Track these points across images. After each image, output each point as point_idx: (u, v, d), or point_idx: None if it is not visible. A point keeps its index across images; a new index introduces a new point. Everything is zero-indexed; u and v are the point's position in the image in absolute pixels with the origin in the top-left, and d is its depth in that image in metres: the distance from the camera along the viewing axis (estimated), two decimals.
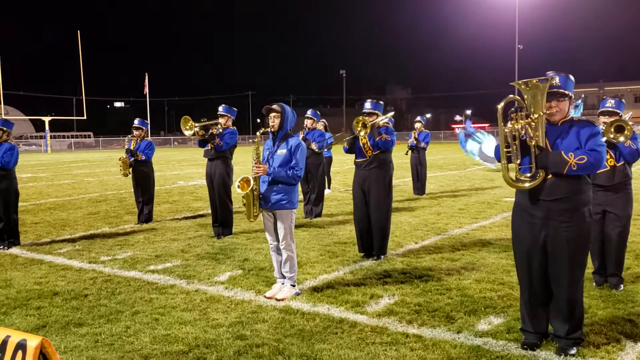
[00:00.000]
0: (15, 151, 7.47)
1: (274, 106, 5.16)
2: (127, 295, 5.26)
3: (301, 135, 9.80)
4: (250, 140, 63.22)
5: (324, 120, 12.23)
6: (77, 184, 17.08)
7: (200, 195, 13.12)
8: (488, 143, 14.09)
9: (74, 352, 3.94)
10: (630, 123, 4.87)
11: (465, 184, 15.00)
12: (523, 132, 3.70)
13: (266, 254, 6.63)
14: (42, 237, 8.25)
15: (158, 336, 4.20)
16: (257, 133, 5.20)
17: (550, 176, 3.67)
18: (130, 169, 9.34)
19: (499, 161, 3.81)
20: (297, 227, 8.02)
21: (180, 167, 24.74)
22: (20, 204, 8.17)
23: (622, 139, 4.79)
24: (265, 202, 5.10)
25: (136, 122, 9.50)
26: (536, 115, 3.66)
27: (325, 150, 10.90)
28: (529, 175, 3.71)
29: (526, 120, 3.68)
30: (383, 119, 6.62)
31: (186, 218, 9.86)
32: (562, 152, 3.61)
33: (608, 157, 4.91)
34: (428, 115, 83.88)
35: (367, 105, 6.66)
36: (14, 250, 7.37)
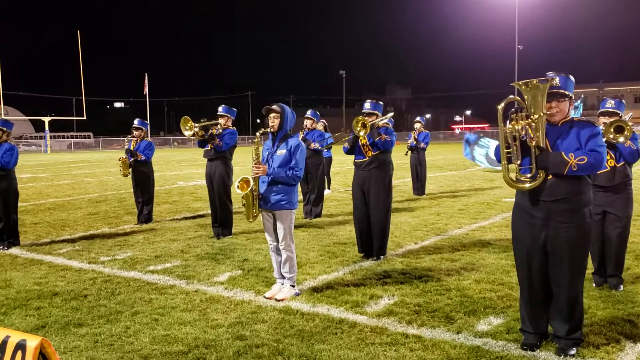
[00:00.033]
0: (15, 151, 7.46)
1: (274, 106, 5.16)
2: (127, 295, 5.26)
3: (301, 136, 9.80)
4: (250, 141, 63.26)
5: (323, 120, 12.23)
6: (76, 184, 17.08)
7: (200, 196, 13.12)
8: (494, 147, 14.20)
9: (74, 352, 3.94)
10: (630, 124, 4.87)
11: (465, 184, 15.00)
12: (523, 132, 3.70)
13: (266, 255, 6.63)
14: (42, 238, 8.25)
15: (158, 336, 4.20)
16: (257, 133, 5.20)
17: (550, 177, 3.67)
18: (130, 169, 9.34)
19: (500, 162, 3.80)
20: (296, 227, 8.02)
21: (180, 168, 24.74)
22: (20, 204, 8.16)
23: (621, 139, 4.79)
24: (265, 203, 5.10)
25: (136, 122, 9.50)
26: (536, 116, 3.66)
27: (325, 150, 10.90)
28: (529, 175, 3.71)
29: (526, 121, 3.68)
30: (382, 120, 6.62)
31: (186, 218, 9.85)
32: (563, 153, 3.61)
33: (608, 157, 4.91)
34: (428, 116, 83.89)
35: (367, 105, 6.66)
36: (14, 250, 7.37)
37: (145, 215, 9.35)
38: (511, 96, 3.81)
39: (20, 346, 2.17)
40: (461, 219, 9.25)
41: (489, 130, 69.73)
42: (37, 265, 6.52)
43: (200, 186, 15.43)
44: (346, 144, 6.62)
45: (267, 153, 5.23)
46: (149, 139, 9.93)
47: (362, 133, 6.35)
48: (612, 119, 5.04)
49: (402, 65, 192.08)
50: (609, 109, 5.24)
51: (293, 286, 5.19)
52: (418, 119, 13.04)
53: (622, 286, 5.17)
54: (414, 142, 12.65)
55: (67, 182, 17.91)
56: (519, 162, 3.74)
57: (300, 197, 9.81)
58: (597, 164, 3.57)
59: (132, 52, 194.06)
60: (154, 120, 69.50)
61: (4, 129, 7.52)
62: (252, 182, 5.02)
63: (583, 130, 3.69)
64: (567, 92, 3.74)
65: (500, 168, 3.87)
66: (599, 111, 5.33)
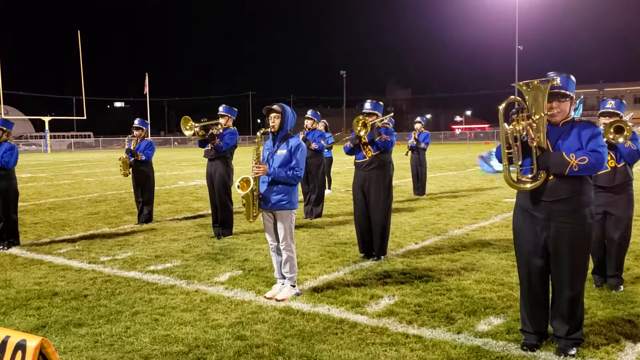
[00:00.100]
0: (15, 151, 7.46)
1: (275, 106, 5.16)
2: (127, 295, 5.26)
3: (301, 136, 9.80)
4: (251, 141, 63.26)
5: (324, 120, 12.23)
6: (77, 184, 17.08)
7: (200, 196, 13.12)
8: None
9: (74, 352, 3.94)
10: (629, 124, 4.87)
11: (465, 184, 15.00)
12: (524, 133, 3.70)
13: (266, 255, 6.63)
14: (42, 237, 8.25)
15: (158, 336, 4.20)
16: (258, 133, 5.20)
17: (551, 177, 3.67)
18: (130, 169, 9.34)
19: (501, 162, 3.80)
20: (297, 227, 8.02)
21: (180, 168, 24.74)
22: (19, 204, 8.17)
23: (621, 139, 4.78)
24: (265, 203, 5.10)
25: (136, 122, 9.49)
26: (537, 116, 3.65)
27: (326, 150, 10.90)
28: (530, 176, 3.71)
29: (527, 122, 3.67)
30: (382, 120, 6.62)
31: (186, 218, 9.85)
32: (564, 153, 3.61)
33: (609, 158, 4.90)
34: (428, 116, 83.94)
35: (367, 105, 6.66)
36: (14, 250, 7.37)
37: (145, 215, 9.35)
38: (512, 96, 3.81)
39: (20, 346, 2.16)
40: (461, 219, 9.25)
41: (489, 130, 69.80)
42: (37, 265, 6.52)
43: (200, 186, 15.43)
44: (348, 144, 6.62)
45: (268, 153, 5.22)
46: (149, 138, 9.93)
47: (362, 133, 6.35)
48: (612, 120, 5.03)
49: (402, 65, 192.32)
50: (610, 110, 5.23)
51: (293, 286, 5.18)
52: (418, 119, 13.04)
53: (622, 286, 5.17)
54: (415, 143, 12.64)
55: (67, 182, 17.91)
56: (520, 162, 3.73)
57: (301, 197, 9.81)
58: (598, 164, 3.56)
59: (132, 52, 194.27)
60: (154, 120, 69.51)
61: (4, 128, 7.52)
62: (252, 182, 5.02)
63: (584, 131, 3.69)
64: (568, 93, 3.73)
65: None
66: (600, 112, 5.33)
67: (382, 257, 6.49)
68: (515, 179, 3.74)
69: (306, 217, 9.57)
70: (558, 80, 3.71)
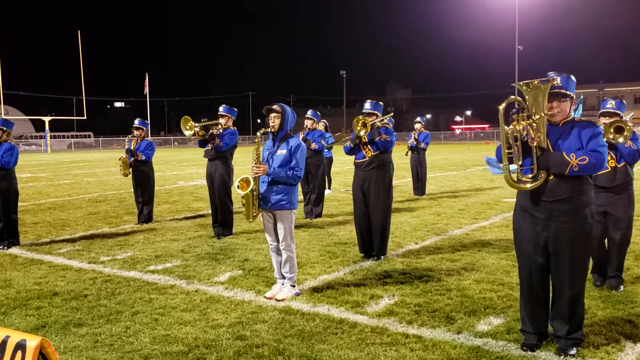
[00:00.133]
0: (15, 151, 7.46)
1: (275, 106, 5.16)
2: (127, 295, 5.26)
3: (301, 136, 9.80)
4: (251, 141, 63.25)
5: (324, 120, 12.23)
6: (77, 184, 17.08)
7: (200, 196, 13.12)
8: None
9: (74, 352, 3.94)
10: (629, 124, 4.86)
11: (465, 184, 15.00)
12: (524, 133, 3.70)
13: (266, 255, 6.63)
14: (42, 237, 8.25)
15: (158, 336, 4.20)
16: (258, 133, 5.20)
17: (551, 177, 3.67)
18: (130, 169, 9.34)
19: (501, 162, 3.80)
20: (297, 227, 8.02)
21: (180, 167, 24.74)
22: (20, 204, 8.16)
23: (621, 139, 4.77)
24: (265, 203, 5.10)
25: (136, 122, 9.49)
26: (537, 116, 3.65)
27: (326, 150, 10.89)
28: (530, 176, 3.71)
29: (528, 121, 3.67)
30: (382, 120, 6.62)
31: (186, 218, 9.85)
32: (564, 153, 3.61)
33: (609, 158, 4.90)
34: (428, 116, 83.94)
35: (367, 105, 6.66)
36: (14, 250, 7.37)
37: (145, 215, 9.35)
38: (512, 96, 3.81)
39: (20, 346, 2.16)
40: (461, 219, 9.25)
41: (489, 130, 69.79)
42: (37, 265, 6.51)
43: (200, 186, 15.43)
44: (347, 143, 6.62)
45: (268, 153, 5.22)
46: (149, 138, 9.93)
47: (362, 132, 6.35)
48: (612, 120, 5.03)
49: (402, 65, 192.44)
50: (610, 110, 5.23)
51: (293, 286, 5.18)
52: (418, 119, 13.04)
53: (622, 286, 5.17)
54: (414, 143, 12.64)
55: (67, 182, 17.91)
56: (520, 162, 3.73)
57: (301, 197, 9.80)
58: (599, 164, 3.56)
59: (132, 52, 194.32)
60: (155, 120, 69.51)
61: (4, 128, 7.51)
62: (252, 182, 5.02)
63: (584, 131, 3.69)
64: (568, 92, 3.73)
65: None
66: (600, 111, 5.32)
67: (382, 257, 6.49)
68: (516, 179, 3.74)
69: (306, 217, 9.57)
70: (558, 80, 3.71)
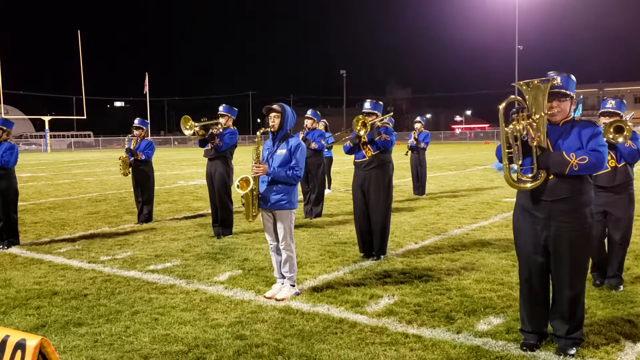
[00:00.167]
0: (15, 150, 7.46)
1: (274, 106, 5.16)
2: (127, 295, 5.26)
3: (301, 136, 9.80)
4: (250, 140, 63.24)
5: (324, 120, 12.22)
6: (76, 184, 17.07)
7: (200, 195, 13.12)
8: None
9: (74, 351, 3.94)
10: (629, 124, 4.86)
11: (465, 184, 15.00)
12: (524, 132, 3.70)
13: (266, 254, 6.63)
14: (42, 237, 8.24)
15: (157, 336, 4.20)
16: (257, 133, 5.20)
17: (551, 177, 3.67)
18: (130, 169, 9.34)
19: (501, 161, 3.80)
20: (297, 227, 8.02)
21: (180, 167, 24.74)
22: (19, 203, 8.16)
23: (621, 139, 4.78)
24: (265, 202, 5.10)
25: (136, 121, 9.49)
26: (537, 116, 3.65)
27: (326, 150, 10.89)
28: (530, 175, 3.71)
29: (527, 121, 3.67)
30: (382, 119, 6.62)
31: (186, 218, 9.85)
32: (564, 153, 3.61)
33: (609, 158, 4.90)
34: (428, 116, 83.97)
35: (367, 105, 6.66)
36: (14, 249, 7.37)
37: (145, 214, 9.35)
38: (512, 96, 3.81)
39: (20, 345, 2.16)
40: (461, 218, 9.25)
41: (489, 130, 69.78)
42: (37, 264, 6.51)
43: (200, 186, 15.43)
44: (347, 143, 6.61)
45: (267, 153, 5.22)
46: (149, 138, 9.94)
47: (362, 132, 6.35)
48: (612, 119, 5.03)
49: (402, 65, 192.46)
50: (610, 109, 5.22)
51: (293, 286, 5.18)
52: (418, 119, 13.04)
53: (622, 286, 5.17)
54: (414, 142, 12.64)
55: (67, 182, 17.90)
56: (520, 162, 3.73)
57: (301, 196, 9.80)
58: (599, 163, 3.56)
59: (132, 52, 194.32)
60: (154, 120, 69.50)
61: (4, 128, 7.51)
62: (252, 182, 5.02)
63: (584, 130, 3.69)
64: (568, 92, 3.73)
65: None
66: (600, 111, 5.32)
67: (382, 256, 6.49)
68: (516, 179, 3.74)
69: (306, 217, 9.56)
70: (558, 80, 3.71)
